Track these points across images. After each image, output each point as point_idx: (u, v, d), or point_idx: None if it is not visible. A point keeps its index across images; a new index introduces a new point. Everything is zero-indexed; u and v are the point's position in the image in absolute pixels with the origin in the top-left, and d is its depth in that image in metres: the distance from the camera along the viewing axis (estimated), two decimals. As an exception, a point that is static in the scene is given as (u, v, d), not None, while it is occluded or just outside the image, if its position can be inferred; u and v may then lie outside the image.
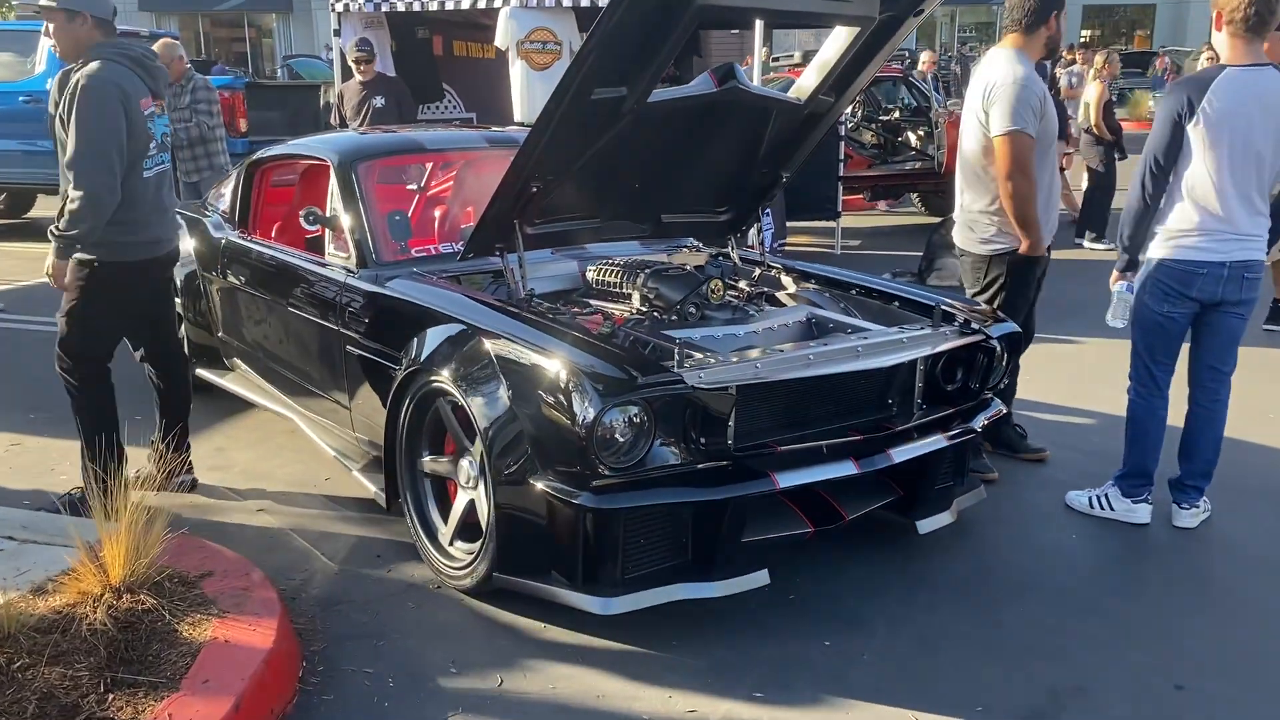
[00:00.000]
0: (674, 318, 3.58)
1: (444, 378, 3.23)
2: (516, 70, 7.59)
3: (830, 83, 3.59)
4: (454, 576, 3.28)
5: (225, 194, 5.16)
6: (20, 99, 9.85)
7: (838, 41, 3.47)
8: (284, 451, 4.59)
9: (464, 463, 3.28)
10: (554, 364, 2.93)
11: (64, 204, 3.49)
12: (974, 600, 3.29)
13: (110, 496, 3.01)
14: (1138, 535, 3.78)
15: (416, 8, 7.91)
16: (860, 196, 11.55)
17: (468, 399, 3.12)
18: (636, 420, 2.85)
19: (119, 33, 3.87)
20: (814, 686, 2.84)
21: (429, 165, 4.45)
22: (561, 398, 2.85)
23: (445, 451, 3.46)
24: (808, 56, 11.90)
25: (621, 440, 2.85)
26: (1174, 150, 3.56)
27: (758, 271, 4.16)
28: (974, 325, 3.53)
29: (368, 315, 3.75)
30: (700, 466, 2.94)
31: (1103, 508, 3.88)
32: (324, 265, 4.11)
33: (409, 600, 3.28)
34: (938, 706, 2.75)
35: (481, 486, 3.22)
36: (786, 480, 3.02)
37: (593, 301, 3.85)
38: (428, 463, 3.47)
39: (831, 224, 9.48)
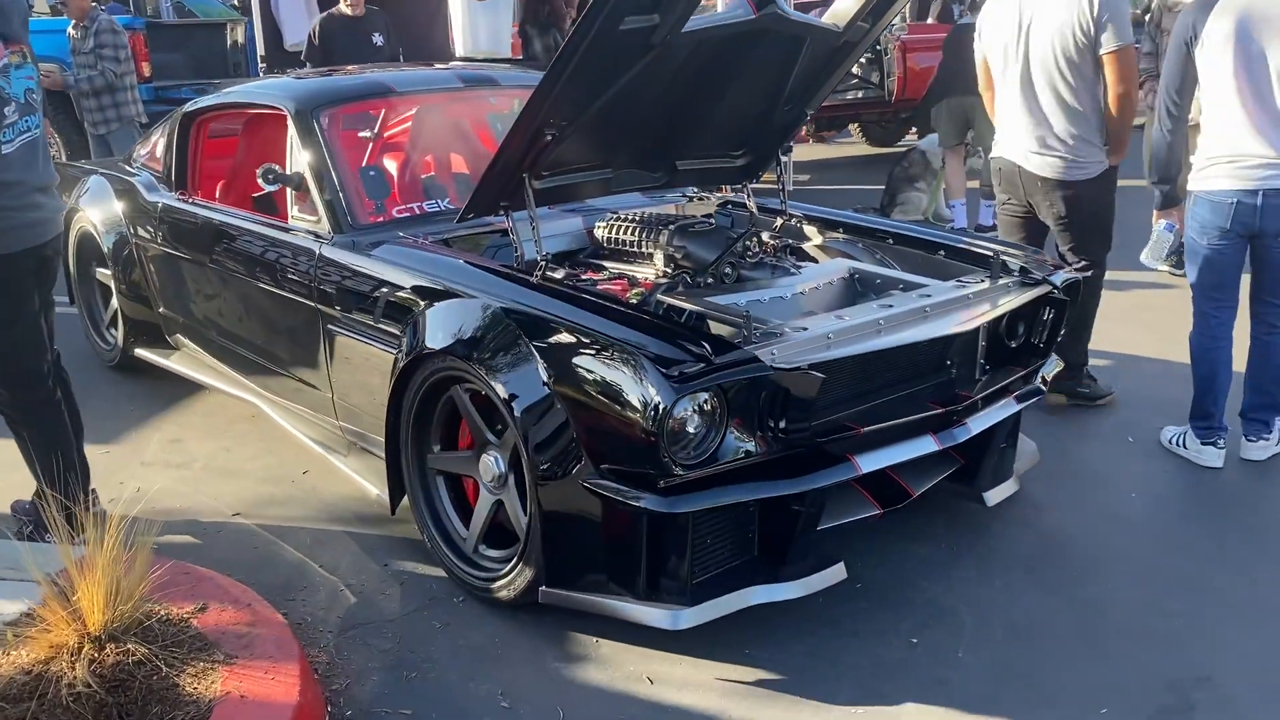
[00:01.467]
0: (709, 280, 3.18)
1: (459, 363, 2.78)
2: (455, 1, 6.97)
3: (871, 6, 3.18)
4: (485, 589, 2.86)
5: (156, 150, 4.55)
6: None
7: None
8: (250, 440, 4.09)
9: (487, 459, 2.86)
10: (606, 345, 2.51)
11: None
12: (1054, 579, 3.01)
13: (77, 521, 2.53)
14: (1204, 488, 3.55)
15: (340, -67, 7.18)
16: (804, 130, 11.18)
17: (492, 386, 2.69)
18: (708, 409, 2.46)
19: None
20: (916, 695, 2.52)
21: (399, 110, 3.91)
22: (620, 386, 2.44)
23: (460, 445, 3.03)
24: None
25: (692, 433, 2.46)
26: (1188, 80, 3.51)
27: (779, 221, 3.77)
28: (1037, 274, 3.20)
29: (351, 290, 3.26)
30: (774, 455, 2.57)
31: (1179, 446, 3.75)
32: (288, 231, 3.59)
33: (433, 618, 2.87)
34: (1059, 713, 2.46)
35: (512, 486, 2.81)
36: (868, 464, 2.67)
37: (608, 264, 3.42)
38: (440, 459, 3.04)
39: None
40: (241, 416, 4.29)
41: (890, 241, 3.58)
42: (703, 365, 2.40)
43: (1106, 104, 3.79)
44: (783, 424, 2.52)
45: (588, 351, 2.54)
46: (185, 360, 4.45)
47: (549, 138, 2.95)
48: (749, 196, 3.85)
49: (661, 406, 2.35)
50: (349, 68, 4.67)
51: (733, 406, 2.48)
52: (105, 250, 4.65)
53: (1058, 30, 3.73)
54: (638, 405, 2.39)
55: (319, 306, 3.35)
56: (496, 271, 3.02)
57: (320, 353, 3.43)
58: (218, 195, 4.35)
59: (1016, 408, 3.09)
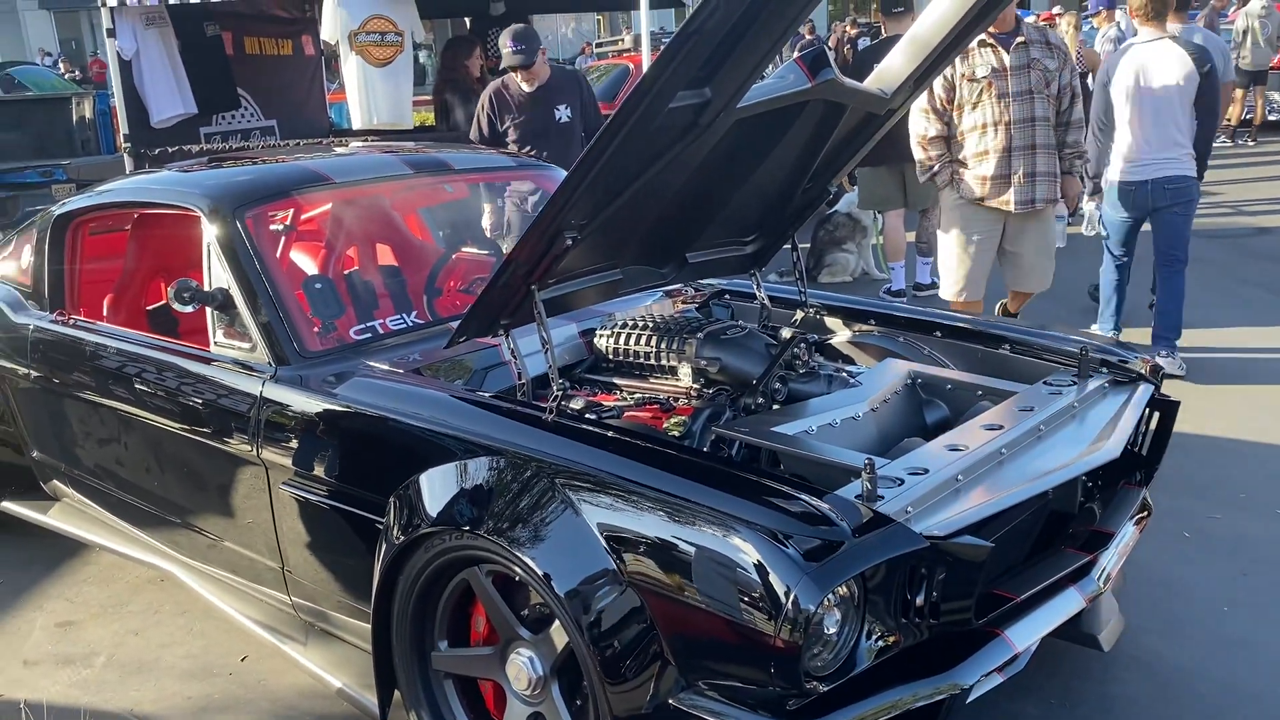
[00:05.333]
0: (759, 400, 2.61)
1: (481, 540, 2.14)
2: (351, 67, 6.28)
3: (926, 67, 2.72)
4: (529, 833, 2.19)
5: (20, 259, 3.72)
6: None
7: (949, 7, 2.59)
8: (164, 616, 3.28)
9: (518, 660, 2.20)
10: (702, 520, 1.91)
11: None
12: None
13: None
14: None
15: (213, -3, 6.43)
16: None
17: (529, 568, 2.05)
18: (846, 599, 1.88)
19: None
20: None
21: (340, 204, 3.23)
22: (729, 576, 1.84)
23: (472, 638, 2.36)
24: (637, 41, 11.05)
25: (830, 634, 1.87)
26: (1106, 106, 4.97)
27: (799, 314, 3.25)
28: (1133, 369, 2.75)
29: (311, 441, 2.56)
30: (913, 644, 2.01)
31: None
32: (213, 363, 2.86)
33: None
34: None
35: (557, 696, 2.16)
36: (1021, 638, 2.13)
37: (618, 380, 2.83)
38: (450, 659, 2.36)
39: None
40: (146, 582, 3.48)
41: (938, 334, 3.09)
42: (846, 544, 1.82)
43: None
44: (933, 606, 1.96)
45: (684, 529, 1.93)
46: (68, 514, 3.61)
47: (568, 242, 2.35)
48: (759, 286, 3.31)
49: (802, 606, 1.75)
50: (277, 154, 3.91)
51: (870, 592, 1.91)
52: (-47, 382, 3.79)
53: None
54: (762, 604, 1.80)
55: (265, 460, 2.64)
56: (508, 411, 2.39)
57: (267, 517, 2.70)
58: (105, 313, 3.56)
59: (1135, 533, 2.61)
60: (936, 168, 4.58)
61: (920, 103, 4.41)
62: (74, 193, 4.63)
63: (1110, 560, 2.43)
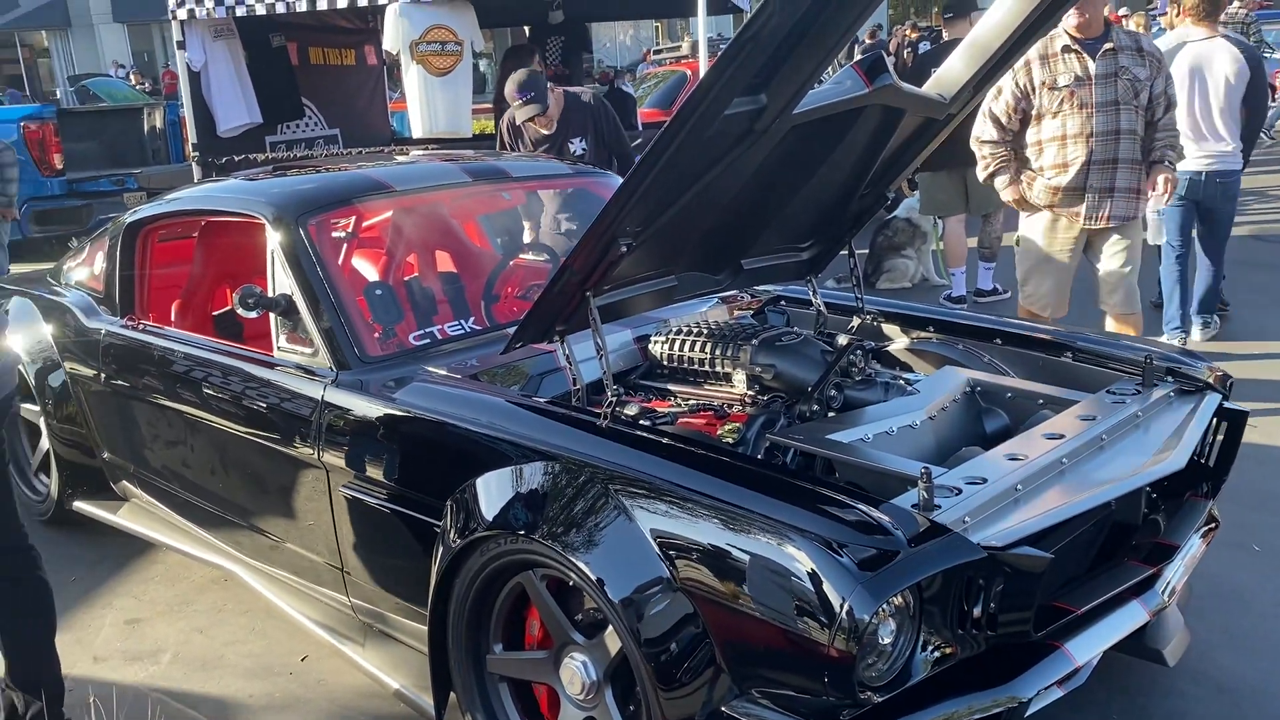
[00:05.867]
0: (814, 407, 2.60)
1: (536, 544, 2.15)
2: (412, 77, 6.37)
3: (986, 71, 2.68)
4: (581, 836, 2.20)
5: (93, 266, 3.83)
6: None
7: (1010, 10, 2.56)
8: (227, 615, 3.35)
9: (572, 665, 2.21)
10: (756, 528, 1.91)
11: None
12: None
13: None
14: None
15: (280, 9, 6.56)
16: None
17: (583, 573, 2.06)
18: (901, 609, 1.86)
19: None
20: None
21: (400, 211, 3.29)
22: (782, 583, 1.83)
23: (526, 641, 2.38)
24: (695, 48, 11.05)
25: (885, 644, 1.86)
26: None
27: (855, 321, 3.23)
28: (1199, 378, 2.69)
29: (371, 445, 2.61)
30: (970, 656, 1.98)
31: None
32: (276, 367, 2.92)
33: None
34: None
35: (611, 703, 2.17)
36: (1081, 651, 2.09)
37: (672, 387, 2.83)
38: (504, 661, 2.38)
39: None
40: (210, 581, 3.56)
41: (998, 341, 3.05)
42: (900, 553, 1.81)
43: None
44: (991, 617, 1.93)
45: (737, 536, 1.93)
46: (136, 514, 3.71)
47: (623, 249, 2.36)
48: (815, 292, 3.30)
49: (856, 616, 1.74)
50: (341, 163, 3.97)
51: (926, 602, 1.89)
52: (31, 383, 3.91)
53: None
54: (816, 613, 1.79)
55: (326, 463, 2.68)
56: (563, 416, 2.41)
57: (328, 519, 2.75)
58: (172, 318, 3.65)
59: (1202, 546, 2.55)
60: (993, 167, 4.34)
61: (985, 105, 4.27)
62: (144, 201, 4.77)
63: (1175, 573, 2.37)
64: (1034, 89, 4.18)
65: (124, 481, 3.73)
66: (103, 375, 3.54)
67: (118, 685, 2.96)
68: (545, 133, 5.03)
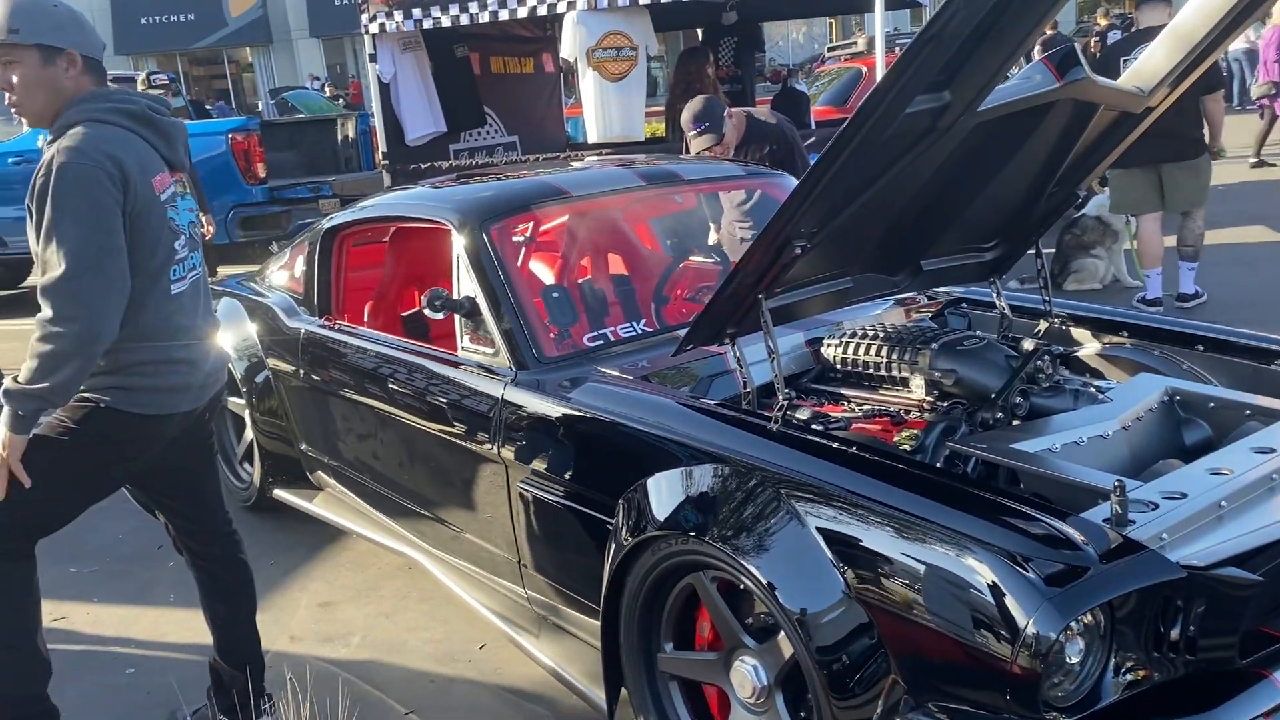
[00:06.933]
0: (997, 415, 2.51)
1: (706, 546, 2.16)
2: (588, 83, 6.50)
3: (1190, 62, 2.52)
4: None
5: (294, 269, 4.09)
6: (9, 160, 8.81)
7: None
8: (408, 603, 3.51)
9: (743, 668, 2.21)
10: (934, 538, 1.86)
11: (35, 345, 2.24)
12: None
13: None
14: None
15: (465, 20, 6.82)
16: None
17: (754, 577, 2.06)
18: (1091, 628, 1.78)
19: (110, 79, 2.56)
20: None
21: (576, 216, 3.36)
22: (969, 599, 1.78)
23: (697, 642, 2.39)
24: (871, 44, 10.86)
25: (1072, 663, 1.78)
26: None
27: (1043, 325, 3.09)
28: None
29: (547, 443, 2.68)
30: (1167, 681, 1.87)
31: None
32: (459, 366, 3.04)
33: None
34: None
35: (781, 708, 2.16)
36: (1291, 680, 1.94)
37: (845, 391, 2.79)
38: (675, 661, 2.40)
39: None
40: (396, 569, 3.73)
41: (1200, 348, 2.86)
42: (1088, 571, 1.72)
43: None
44: (1190, 641, 1.82)
45: (916, 547, 1.88)
46: (329, 503, 3.93)
47: (798, 250, 2.34)
48: (999, 294, 3.18)
49: (1042, 634, 1.67)
50: (519, 169, 4.09)
51: (1118, 622, 1.79)
52: (238, 378, 4.20)
53: None
54: (998, 628, 1.73)
55: (506, 460, 2.78)
56: (733, 419, 2.41)
57: (505, 513, 2.84)
58: (365, 318, 3.85)
59: None
60: None
61: None
62: (338, 207, 5.04)
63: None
64: None
65: (319, 472, 3.96)
66: (301, 372, 3.77)
67: (311, 664, 3.15)
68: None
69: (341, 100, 23.26)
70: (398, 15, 7.00)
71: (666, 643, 2.41)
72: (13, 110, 2.43)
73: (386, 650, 3.24)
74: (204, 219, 6.38)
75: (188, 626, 3.35)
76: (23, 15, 2.30)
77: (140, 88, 10.00)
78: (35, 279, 2.39)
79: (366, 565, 3.82)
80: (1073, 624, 1.72)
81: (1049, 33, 14.64)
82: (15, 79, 2.34)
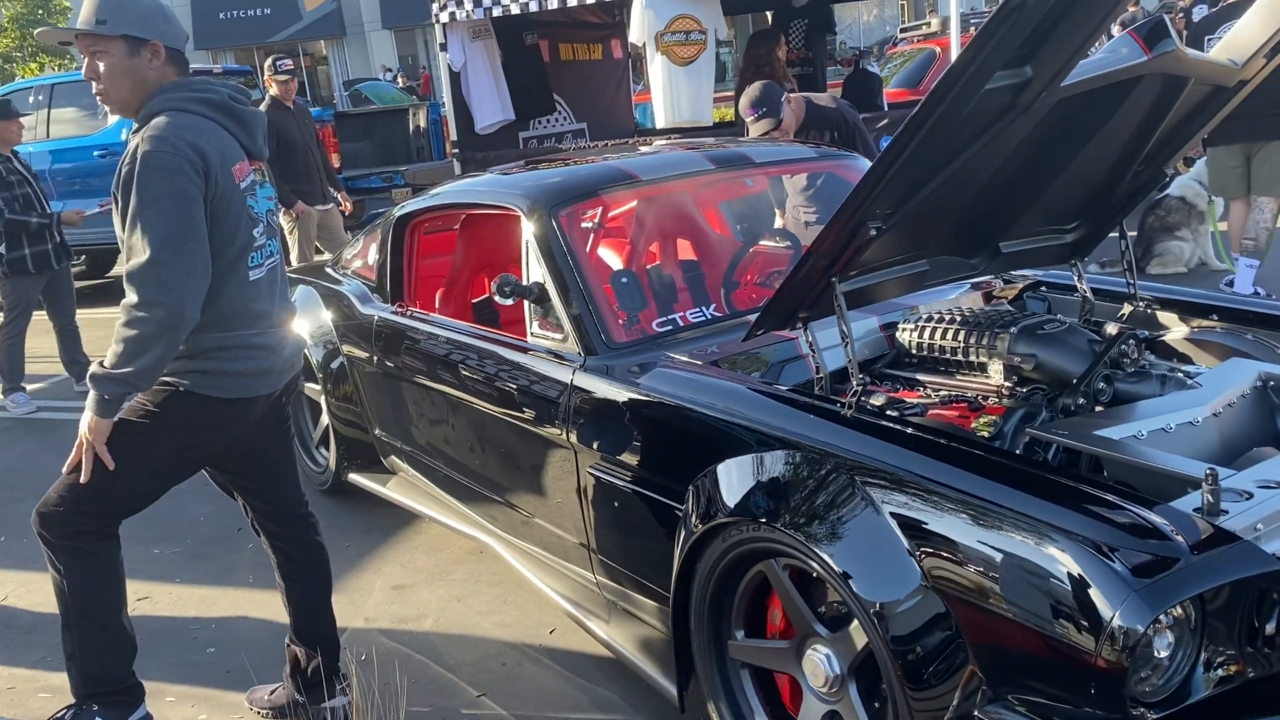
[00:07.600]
0: (1080, 400, 2.43)
1: (778, 533, 2.13)
2: (657, 67, 6.48)
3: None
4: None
5: (367, 256, 4.14)
6: (94, 153, 9.08)
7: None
8: (480, 587, 3.54)
9: (815, 657, 2.18)
10: (1014, 526, 1.81)
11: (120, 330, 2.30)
12: None
13: None
14: None
15: (534, 7, 6.84)
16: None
17: (827, 565, 2.02)
18: (1180, 621, 1.71)
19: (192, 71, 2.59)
20: None
21: (645, 201, 3.35)
22: (1051, 589, 1.73)
23: (769, 630, 2.37)
24: (944, 24, 10.63)
25: (1160, 657, 1.72)
26: None
27: (1127, 308, 2.99)
28: None
29: (616, 428, 2.67)
30: (1261, 676, 1.79)
31: None
32: (529, 351, 3.05)
33: None
34: None
35: (855, 698, 2.12)
36: (1396, 681, 1.85)
37: (921, 377, 2.73)
38: (746, 649, 2.38)
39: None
40: (468, 552, 3.77)
41: (1294, 331, 2.75)
42: (1178, 562, 1.66)
43: None
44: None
45: (997, 537, 1.83)
46: (402, 488, 3.98)
47: (872, 232, 2.29)
48: (1080, 277, 3.08)
49: (1129, 626, 1.62)
50: (588, 154, 4.08)
51: (1210, 615, 1.72)
52: (314, 364, 4.27)
53: None
54: (1082, 620, 1.67)
55: (575, 445, 2.77)
56: (805, 405, 2.37)
57: (575, 498, 2.84)
58: (436, 305, 3.88)
59: None
60: None
61: None
62: (410, 196, 5.09)
63: None
64: None
65: (392, 456, 4.01)
66: (375, 358, 3.82)
67: (384, 645, 3.19)
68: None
69: (413, 92, 23.53)
70: (468, 4, 7.04)
71: (737, 630, 2.39)
72: (99, 99, 2.49)
73: (458, 632, 3.27)
74: (341, 197, 6.64)
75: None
76: (110, 7, 2.37)
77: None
78: (121, 266, 2.44)
79: (439, 549, 3.86)
80: (1161, 617, 1.66)
81: (1131, 9, 14.19)
82: (102, 68, 2.40)
